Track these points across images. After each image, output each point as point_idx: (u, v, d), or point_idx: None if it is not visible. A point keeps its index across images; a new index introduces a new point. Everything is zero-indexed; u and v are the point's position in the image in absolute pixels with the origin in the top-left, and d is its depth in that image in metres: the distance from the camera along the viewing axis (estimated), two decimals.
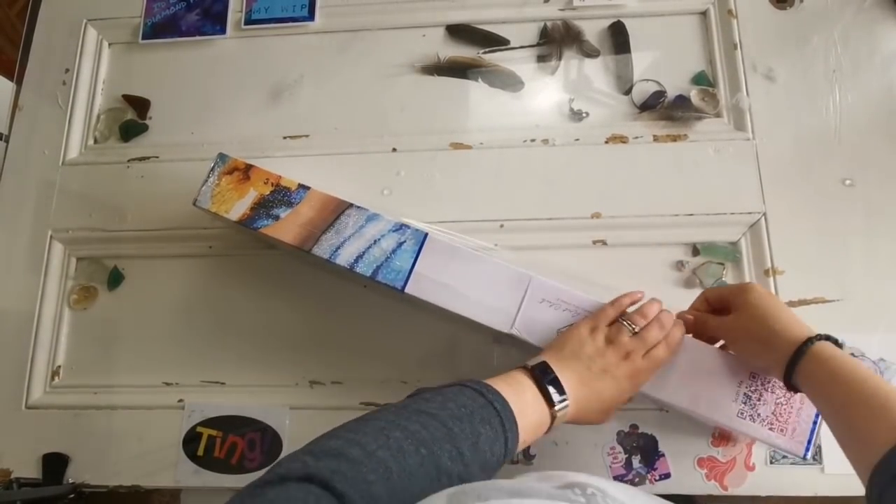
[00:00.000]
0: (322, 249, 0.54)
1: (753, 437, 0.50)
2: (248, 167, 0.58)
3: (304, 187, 0.56)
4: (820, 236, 0.61)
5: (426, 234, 0.53)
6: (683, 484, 0.56)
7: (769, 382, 0.48)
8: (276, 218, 0.56)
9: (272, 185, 0.57)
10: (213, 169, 0.59)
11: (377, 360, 0.62)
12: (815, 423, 0.47)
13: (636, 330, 0.48)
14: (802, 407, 0.47)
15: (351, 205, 0.55)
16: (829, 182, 0.62)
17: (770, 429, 0.47)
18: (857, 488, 0.55)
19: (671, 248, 0.62)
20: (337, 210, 0.55)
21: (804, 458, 0.47)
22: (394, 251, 0.53)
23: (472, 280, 0.52)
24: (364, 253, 0.54)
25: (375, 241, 0.54)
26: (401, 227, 0.54)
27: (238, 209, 0.57)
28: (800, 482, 0.55)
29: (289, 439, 0.60)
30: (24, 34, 0.77)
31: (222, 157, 0.59)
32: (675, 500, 0.51)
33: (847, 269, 0.60)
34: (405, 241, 0.53)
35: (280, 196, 0.56)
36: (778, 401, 0.47)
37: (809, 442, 0.47)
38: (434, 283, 0.53)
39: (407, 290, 0.53)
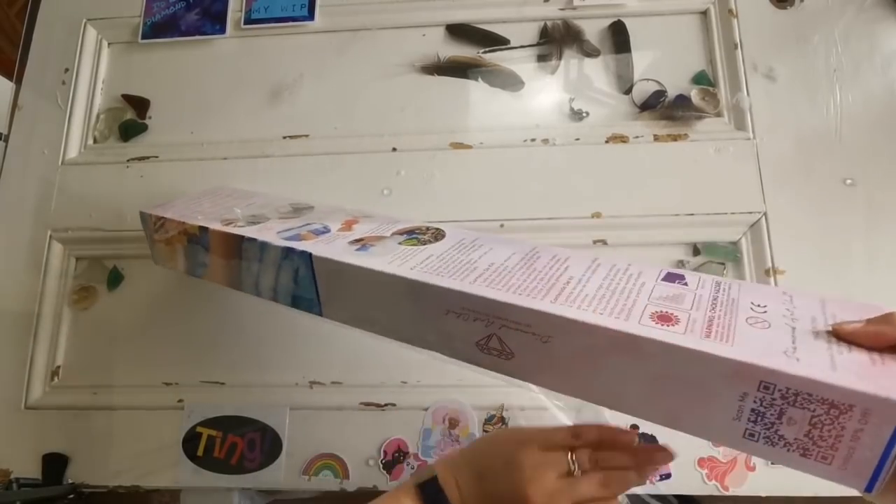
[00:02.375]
0: (247, 287, 0.51)
1: (778, 463, 0.33)
2: (161, 220, 0.54)
3: (203, 229, 0.50)
4: (821, 236, 0.61)
5: (310, 255, 0.44)
6: (684, 484, 0.56)
7: (798, 395, 0.29)
8: (205, 265, 0.53)
9: (184, 233, 0.52)
10: (145, 230, 0.57)
11: (377, 360, 0.62)
12: (890, 447, 0.28)
13: (575, 472, 0.37)
14: (865, 428, 0.28)
15: (242, 238, 0.48)
16: (830, 181, 0.62)
17: (803, 454, 0.30)
18: None
19: (672, 248, 0.62)
20: (236, 245, 0.49)
21: (867, 492, 0.30)
22: (295, 280, 0.46)
23: (372, 300, 0.43)
24: (276, 284, 0.48)
25: (279, 270, 0.47)
26: (288, 254, 0.45)
27: (180, 262, 0.55)
28: (800, 483, 0.55)
29: (288, 439, 0.60)
30: (23, 34, 0.77)
31: (142, 217, 0.56)
32: (679, 500, 0.51)
33: (848, 269, 0.59)
34: (299, 268, 0.45)
35: (196, 242, 0.52)
36: (816, 418, 0.29)
37: (877, 473, 0.29)
38: (344, 309, 0.45)
39: (326, 317, 0.47)
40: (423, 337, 0.42)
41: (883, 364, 0.29)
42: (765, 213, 0.61)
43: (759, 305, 0.34)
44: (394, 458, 0.59)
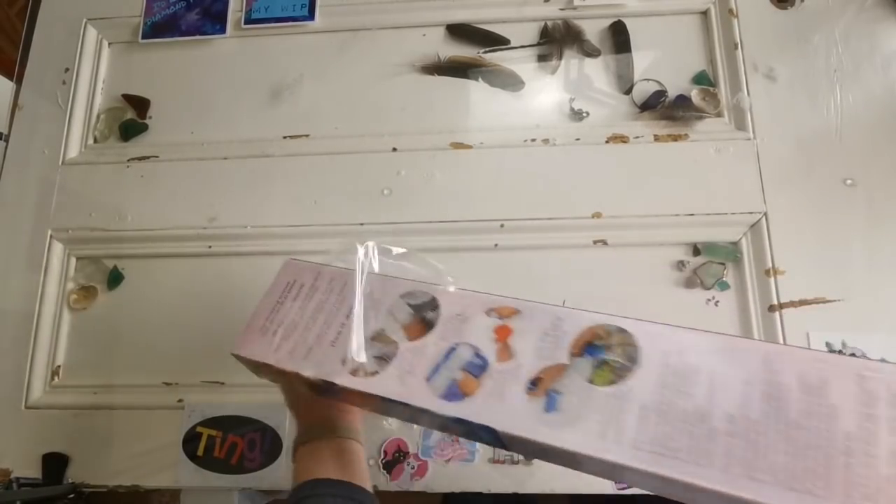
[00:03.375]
0: (402, 419, 0.44)
1: None
2: (261, 366, 0.45)
3: (329, 382, 0.41)
4: (821, 236, 0.61)
5: (496, 431, 0.35)
6: None
7: None
8: (336, 395, 0.43)
9: (297, 376, 0.42)
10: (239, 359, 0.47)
11: None
12: None
13: None
14: None
15: (388, 399, 0.38)
16: (831, 182, 0.62)
17: None
18: None
19: (672, 248, 0.62)
20: (378, 402, 0.40)
21: None
22: (470, 434, 0.38)
23: (586, 467, 0.34)
24: (445, 428, 0.40)
25: (446, 427, 0.39)
26: (461, 421, 0.36)
27: (301, 386, 0.45)
28: None
29: (289, 439, 0.60)
30: (24, 33, 0.77)
31: (235, 356, 0.46)
32: None
33: (848, 269, 0.59)
34: (477, 431, 0.37)
35: (320, 389, 0.42)
36: None
37: None
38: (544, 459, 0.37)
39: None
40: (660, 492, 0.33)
41: None
42: (765, 214, 0.61)
43: None
44: (394, 458, 0.59)
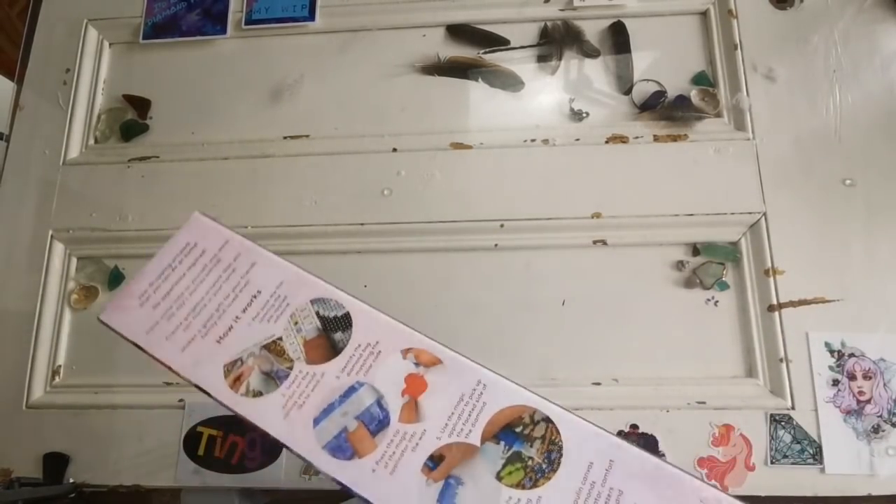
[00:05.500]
0: None
1: None
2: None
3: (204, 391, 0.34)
4: (820, 236, 0.61)
5: None
6: None
7: None
8: None
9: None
10: None
11: None
12: None
13: None
14: None
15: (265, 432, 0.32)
16: (830, 182, 0.62)
17: None
18: (857, 488, 0.55)
19: (671, 248, 0.62)
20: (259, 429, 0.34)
21: None
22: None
23: None
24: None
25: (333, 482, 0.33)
26: (341, 484, 0.31)
27: None
28: (800, 482, 0.55)
29: None
30: (24, 34, 0.77)
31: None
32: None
33: (847, 269, 0.60)
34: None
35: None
36: None
37: None
38: None
39: None
40: None
41: None
42: (764, 214, 0.61)
43: None
44: None
